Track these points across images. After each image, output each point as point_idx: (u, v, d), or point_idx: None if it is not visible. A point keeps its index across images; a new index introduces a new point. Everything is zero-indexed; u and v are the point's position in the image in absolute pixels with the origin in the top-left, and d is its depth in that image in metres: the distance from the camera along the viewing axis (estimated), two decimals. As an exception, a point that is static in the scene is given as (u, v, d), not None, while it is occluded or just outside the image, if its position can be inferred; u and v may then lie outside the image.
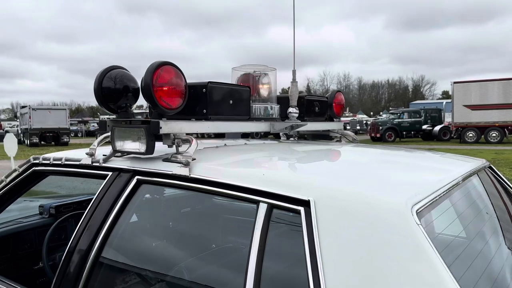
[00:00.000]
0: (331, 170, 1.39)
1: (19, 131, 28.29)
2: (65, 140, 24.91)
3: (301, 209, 1.09)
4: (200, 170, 1.33)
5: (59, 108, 28.66)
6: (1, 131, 34.59)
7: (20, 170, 1.83)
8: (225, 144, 1.81)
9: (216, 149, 1.70)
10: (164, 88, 1.40)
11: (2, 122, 42.53)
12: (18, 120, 32.33)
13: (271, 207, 1.16)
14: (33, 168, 1.79)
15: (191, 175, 1.32)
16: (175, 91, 1.44)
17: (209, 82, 1.56)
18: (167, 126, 1.43)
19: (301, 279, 1.04)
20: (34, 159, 1.80)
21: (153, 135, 1.41)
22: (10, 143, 7.18)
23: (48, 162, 1.75)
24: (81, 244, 1.43)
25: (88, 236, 1.43)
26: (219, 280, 1.62)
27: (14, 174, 1.84)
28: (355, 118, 41.09)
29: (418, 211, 1.03)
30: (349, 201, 1.07)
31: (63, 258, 1.45)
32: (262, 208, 1.16)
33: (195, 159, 1.39)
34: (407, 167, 1.59)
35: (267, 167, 1.39)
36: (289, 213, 1.15)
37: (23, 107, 28.48)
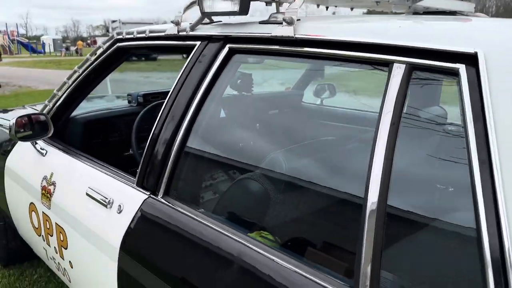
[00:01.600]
0: (492, 25, 1.01)
1: (112, 45, 29.64)
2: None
3: (461, 67, 0.78)
4: (308, 30, 1.05)
5: (146, 23, 29.32)
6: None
7: (105, 47, 1.68)
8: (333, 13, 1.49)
9: (322, 16, 1.38)
10: None
11: (96, 38, 44.81)
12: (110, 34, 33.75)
13: (410, 68, 0.85)
14: (117, 44, 1.62)
15: (296, 36, 1.04)
16: None
17: None
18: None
19: (458, 173, 0.76)
20: (118, 34, 1.63)
21: (247, -9, 1.14)
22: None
23: (131, 36, 1.57)
24: (167, 128, 1.26)
25: (173, 121, 1.25)
26: (332, 174, 1.39)
27: (99, 52, 1.70)
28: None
29: None
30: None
31: (148, 142, 1.30)
32: (397, 71, 0.86)
33: (299, 19, 1.10)
34: None
35: (400, 23, 1.05)
36: (437, 77, 0.84)
37: (113, 21, 29.60)
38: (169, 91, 2.40)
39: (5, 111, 2.59)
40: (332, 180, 1.24)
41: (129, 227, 1.24)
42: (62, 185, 1.60)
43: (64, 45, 41.31)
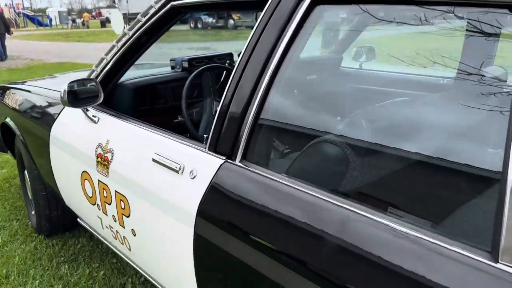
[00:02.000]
0: None
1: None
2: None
3: None
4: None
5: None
6: (102, 17, 36.03)
7: (157, 6, 1.59)
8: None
9: None
10: None
11: (101, 10, 44.20)
12: (116, 5, 33.27)
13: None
14: (171, 3, 1.54)
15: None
16: None
17: None
18: None
19: None
20: (172, -8, 1.54)
21: None
22: (117, 19, 7.22)
23: (188, -7, 1.48)
24: (243, 89, 1.19)
25: (248, 82, 1.18)
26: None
27: (151, 12, 1.61)
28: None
29: None
30: None
31: (220, 105, 1.23)
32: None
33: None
34: None
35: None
36: None
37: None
38: (213, 56, 2.33)
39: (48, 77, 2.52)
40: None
41: (206, 192, 1.19)
42: (122, 152, 1.55)
43: (70, 17, 40.86)
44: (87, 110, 1.72)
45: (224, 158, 1.21)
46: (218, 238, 1.16)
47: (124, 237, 1.63)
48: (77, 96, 1.65)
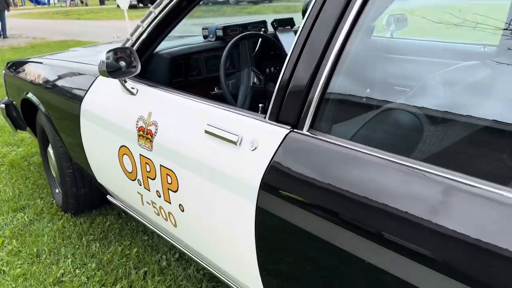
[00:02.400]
0: None
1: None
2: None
3: None
4: None
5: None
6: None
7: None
8: None
9: None
10: None
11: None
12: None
13: None
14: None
15: None
16: None
17: None
18: None
19: None
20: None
21: None
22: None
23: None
24: (309, 54, 1.10)
25: (316, 47, 1.09)
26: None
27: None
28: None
29: None
30: None
31: (283, 72, 1.15)
32: None
33: None
34: None
35: None
36: None
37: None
38: (247, 24, 2.22)
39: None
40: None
41: (270, 164, 1.12)
42: (167, 124, 1.47)
43: (67, -5, 40.11)
44: (125, 81, 1.64)
45: (289, 127, 1.13)
46: (285, 212, 1.09)
47: (169, 213, 1.57)
48: (113, 67, 1.57)
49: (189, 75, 1.98)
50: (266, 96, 2.00)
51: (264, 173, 1.13)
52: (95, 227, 2.48)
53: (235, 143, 1.22)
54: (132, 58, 1.61)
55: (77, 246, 2.30)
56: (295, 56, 1.13)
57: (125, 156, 1.69)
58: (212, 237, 1.38)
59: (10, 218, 2.60)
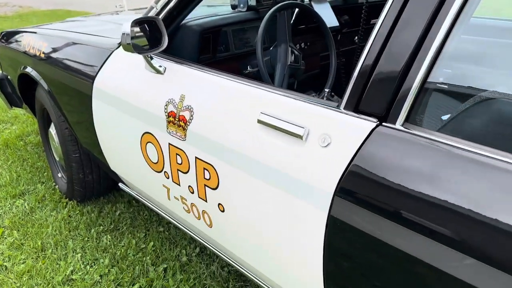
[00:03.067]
0: None
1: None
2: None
3: None
4: None
5: None
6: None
7: None
8: None
9: None
10: None
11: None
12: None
13: None
14: None
15: None
16: None
17: None
18: None
19: None
20: None
21: None
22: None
23: None
24: (408, 32, 0.88)
25: (413, 25, 0.87)
26: None
27: None
28: None
29: None
30: None
31: (366, 52, 0.93)
32: None
33: None
34: None
35: None
36: None
37: None
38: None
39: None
40: None
41: (351, 165, 0.91)
42: (206, 110, 1.25)
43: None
44: (151, 58, 1.40)
45: (376, 120, 0.92)
46: (370, 224, 0.89)
47: (204, 212, 1.36)
48: (138, 40, 1.33)
49: (217, 50, 1.74)
50: (304, 78, 1.79)
51: (342, 175, 0.93)
52: (105, 217, 2.26)
53: (299, 137, 1.00)
54: (159, 30, 1.37)
55: (86, 239, 2.09)
56: (383, 34, 0.91)
57: (149, 144, 1.47)
58: (262, 246, 1.18)
59: (9, 205, 2.37)
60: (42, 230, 2.15)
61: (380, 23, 0.92)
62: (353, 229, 0.92)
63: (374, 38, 0.92)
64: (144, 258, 1.95)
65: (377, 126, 0.91)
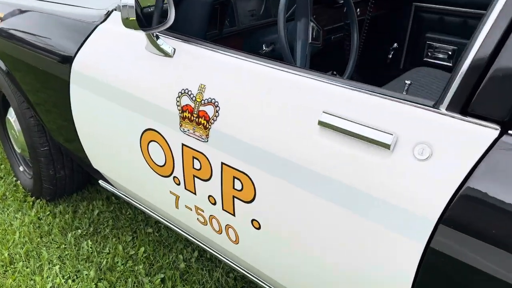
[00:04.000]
0: None
1: None
2: None
3: None
4: None
5: None
6: None
7: None
8: None
9: None
10: None
11: None
12: None
13: None
14: None
15: None
16: None
17: None
18: None
19: None
20: None
21: None
22: None
23: None
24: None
25: None
26: None
27: None
28: None
29: None
30: None
31: (479, 45, 0.71)
32: None
33: None
34: None
35: None
36: None
37: None
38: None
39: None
40: None
41: (465, 185, 0.70)
42: (239, 105, 0.98)
43: None
44: (157, 37, 1.10)
45: (497, 127, 0.70)
46: (492, 263, 0.69)
47: (229, 226, 1.11)
48: (141, 15, 1.03)
49: (223, 25, 1.45)
50: (326, 59, 1.55)
51: (452, 198, 0.71)
52: (81, 218, 1.96)
53: (385, 146, 0.77)
54: (164, 3, 1.07)
55: (63, 246, 1.79)
56: (507, 18, 0.68)
57: (153, 144, 1.19)
58: (321, 278, 0.96)
59: (-39, 207, 2.00)
60: (7, 238, 1.81)
61: (504, 3, 0.69)
62: (464, 267, 0.72)
63: (497, 18, 0.69)
64: (136, 268, 1.68)
65: (501, 135, 0.69)
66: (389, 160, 0.77)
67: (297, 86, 0.91)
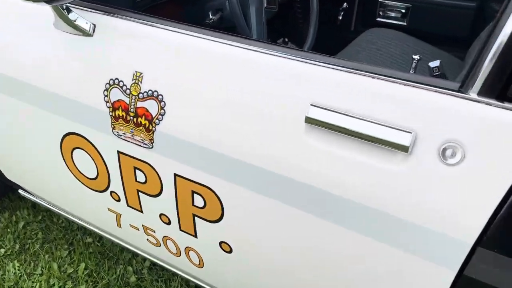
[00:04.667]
0: None
1: None
2: None
3: None
4: None
5: None
6: None
7: None
8: None
9: None
10: None
11: None
12: None
13: None
14: None
15: None
16: None
17: None
18: None
19: None
20: None
21: None
22: None
23: None
24: None
25: None
26: None
27: None
28: None
29: None
30: None
31: None
32: None
33: None
34: None
35: None
36: None
37: None
38: None
39: None
40: None
41: (511, 197, 0.52)
42: (193, 100, 0.74)
43: None
44: (69, 10, 0.80)
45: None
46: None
47: (190, 249, 0.89)
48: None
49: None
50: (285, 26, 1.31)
51: (495, 214, 0.53)
52: (3, 233, 1.63)
53: (402, 148, 0.57)
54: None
55: (-18, 273, 1.47)
56: None
57: (78, 151, 0.91)
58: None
59: None
60: None
61: None
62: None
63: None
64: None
65: (560, 126, 0.52)
66: (405, 165, 0.58)
67: (274, 68, 0.67)
